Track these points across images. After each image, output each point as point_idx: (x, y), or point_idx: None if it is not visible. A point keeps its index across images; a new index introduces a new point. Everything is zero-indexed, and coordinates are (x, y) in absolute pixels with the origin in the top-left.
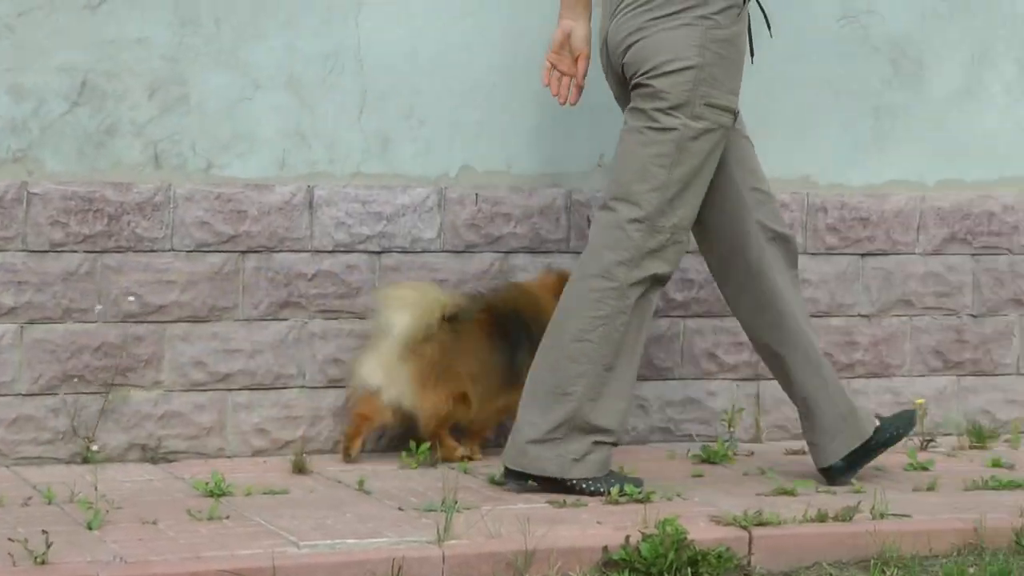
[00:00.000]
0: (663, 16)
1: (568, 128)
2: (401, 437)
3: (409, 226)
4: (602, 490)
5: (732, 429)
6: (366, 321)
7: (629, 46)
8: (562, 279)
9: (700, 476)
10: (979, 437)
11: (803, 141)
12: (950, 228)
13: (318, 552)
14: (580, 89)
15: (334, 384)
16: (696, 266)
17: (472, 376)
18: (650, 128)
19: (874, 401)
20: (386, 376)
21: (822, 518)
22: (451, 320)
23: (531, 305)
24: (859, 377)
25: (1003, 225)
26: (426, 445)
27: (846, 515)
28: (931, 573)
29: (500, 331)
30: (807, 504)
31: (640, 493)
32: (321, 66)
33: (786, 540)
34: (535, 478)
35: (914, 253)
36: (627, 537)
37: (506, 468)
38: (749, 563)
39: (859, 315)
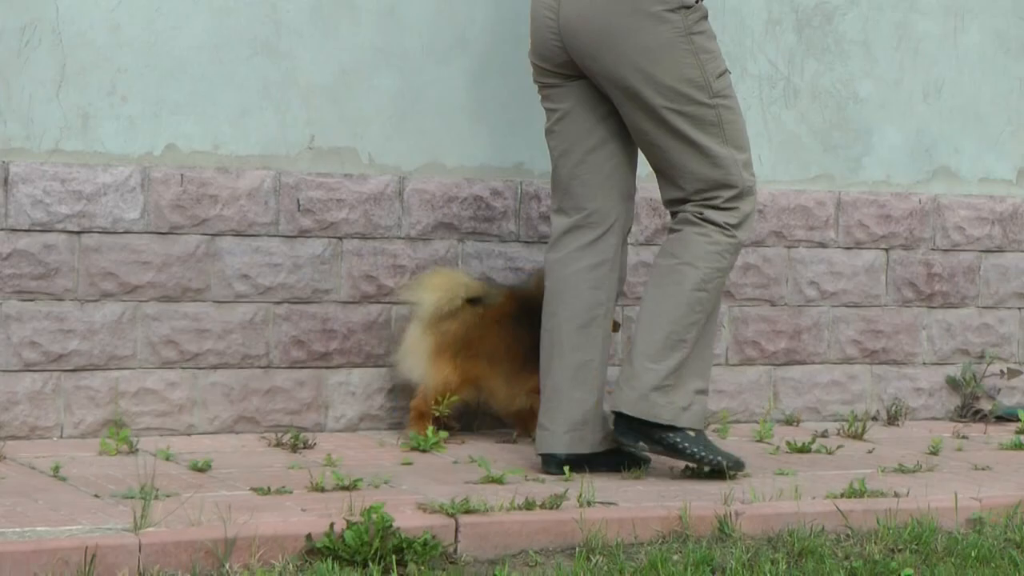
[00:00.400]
0: (639, 11)
1: (278, 109)
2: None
3: (111, 206)
4: (721, 461)
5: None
6: (64, 303)
7: (613, 44)
8: None
9: (410, 464)
10: None
11: (516, 128)
12: (662, 218)
13: (6, 541)
14: None
15: (30, 368)
16: (408, 252)
17: (492, 360)
18: (690, 128)
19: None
20: (411, 356)
21: (530, 506)
22: (475, 303)
23: None
24: None
25: None
26: (127, 431)
27: (553, 503)
28: (636, 560)
29: (527, 317)
30: (515, 492)
31: (733, 468)
32: (16, 38)
33: (493, 527)
34: (644, 429)
35: (628, 242)
36: (331, 525)
37: (620, 414)
38: (455, 551)
39: None
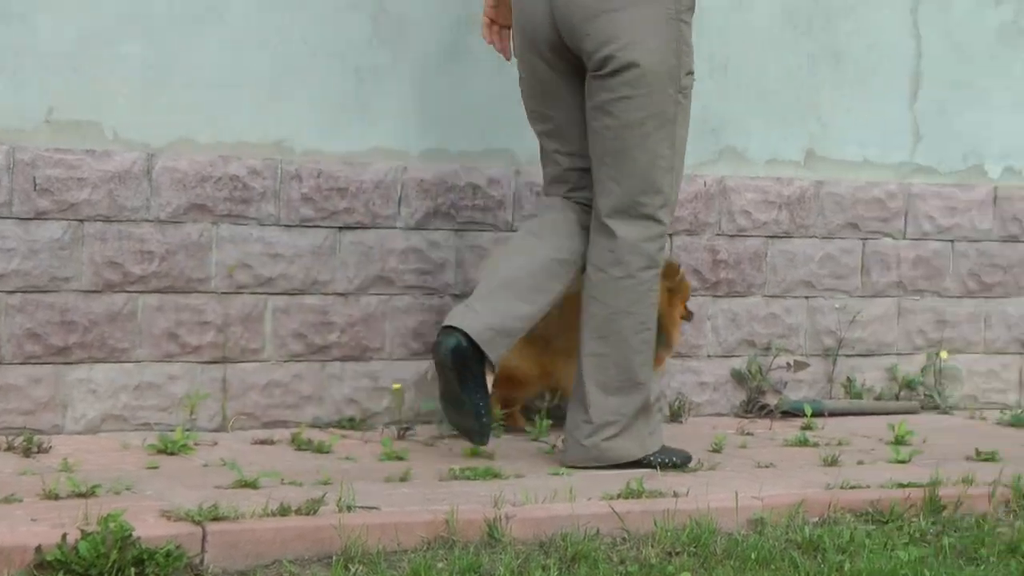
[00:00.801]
0: None
1: (12, 78)
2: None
3: None
4: (676, 460)
5: (194, 416)
6: None
7: (600, 18)
8: (671, 267)
9: (155, 468)
10: None
11: (277, 103)
12: (433, 201)
13: None
14: None
15: None
16: (157, 236)
17: (569, 355)
18: (651, 116)
19: (350, 387)
20: None
21: (284, 512)
22: None
23: None
24: (335, 360)
25: (488, 200)
26: None
27: (310, 508)
28: (398, 569)
29: None
30: (269, 497)
31: (686, 465)
32: None
33: (243, 535)
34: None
35: (395, 227)
36: (64, 535)
37: (577, 468)
38: (202, 561)
39: (336, 293)
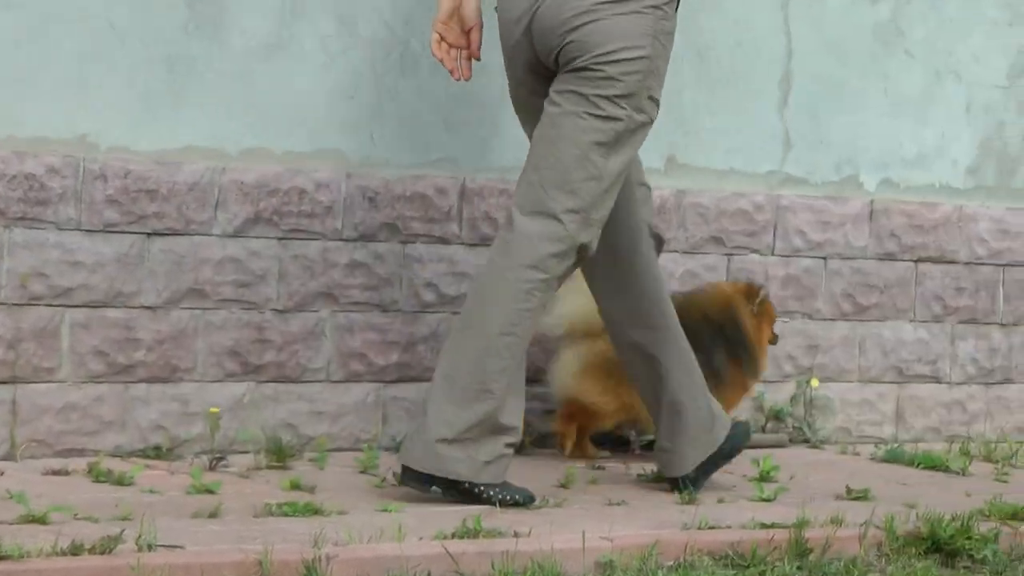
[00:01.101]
0: (615, 0)
1: None
2: None
3: None
4: (517, 498)
5: None
6: None
7: (575, 27)
8: (751, 289)
9: None
10: (279, 455)
11: (79, 94)
12: (254, 206)
13: None
14: (471, 63)
15: None
16: None
17: None
18: (592, 115)
19: (157, 411)
20: (559, 375)
21: (76, 551)
22: None
23: (724, 307)
24: (140, 381)
25: (316, 205)
26: None
27: (106, 547)
28: None
29: (703, 331)
30: (59, 534)
31: (529, 504)
32: None
33: None
34: (439, 481)
35: (211, 234)
36: None
37: (407, 468)
38: None
39: (142, 307)
